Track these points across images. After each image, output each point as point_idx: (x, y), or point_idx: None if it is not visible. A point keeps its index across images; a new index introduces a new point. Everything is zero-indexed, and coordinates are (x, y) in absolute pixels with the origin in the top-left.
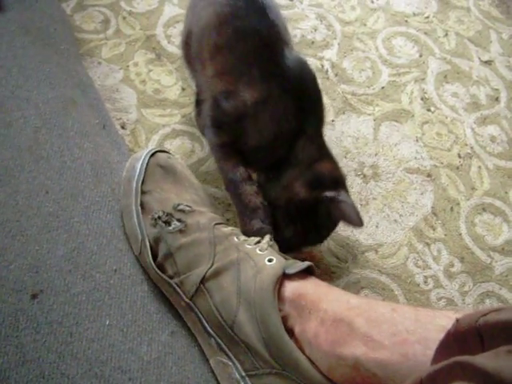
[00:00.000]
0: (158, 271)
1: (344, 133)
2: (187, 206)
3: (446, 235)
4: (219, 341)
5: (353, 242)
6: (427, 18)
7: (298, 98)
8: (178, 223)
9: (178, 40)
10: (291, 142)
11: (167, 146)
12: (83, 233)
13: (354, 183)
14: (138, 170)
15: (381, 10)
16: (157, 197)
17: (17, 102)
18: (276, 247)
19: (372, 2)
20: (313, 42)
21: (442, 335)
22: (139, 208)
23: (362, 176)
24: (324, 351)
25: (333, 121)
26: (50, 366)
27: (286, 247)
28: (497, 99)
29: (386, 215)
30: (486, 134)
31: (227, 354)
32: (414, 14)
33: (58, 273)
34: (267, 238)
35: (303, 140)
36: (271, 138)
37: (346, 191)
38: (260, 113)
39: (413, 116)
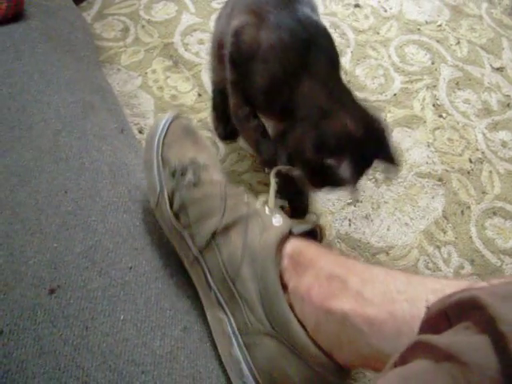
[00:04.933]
0: (174, 220)
1: None
2: (203, 162)
3: (456, 238)
4: (219, 295)
5: (364, 244)
6: (440, 26)
7: (307, 45)
8: (192, 176)
9: (194, 48)
10: (295, 87)
11: None
12: (100, 231)
13: (365, 187)
14: (161, 127)
15: (394, 18)
16: (175, 151)
17: (38, 106)
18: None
19: (385, 10)
20: None
21: (431, 296)
22: (160, 161)
23: (373, 180)
24: (314, 305)
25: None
26: (65, 358)
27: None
28: (508, 105)
29: (397, 218)
30: (498, 140)
31: (224, 309)
32: (427, 23)
33: (75, 269)
34: (270, 197)
35: (310, 85)
36: (275, 80)
37: (353, 154)
38: (268, 55)
39: (425, 122)
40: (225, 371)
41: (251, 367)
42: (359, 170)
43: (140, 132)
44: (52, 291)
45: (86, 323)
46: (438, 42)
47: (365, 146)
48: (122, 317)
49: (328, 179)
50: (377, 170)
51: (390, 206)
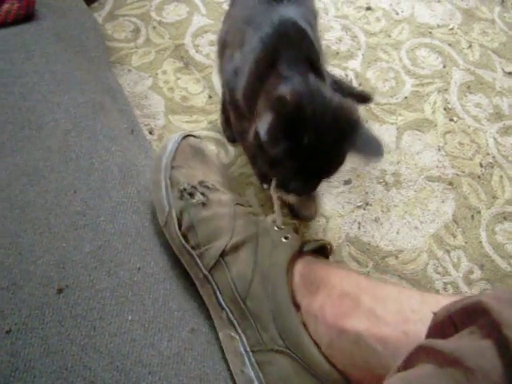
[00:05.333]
0: (183, 240)
1: None
2: (212, 184)
3: (466, 243)
4: (230, 315)
5: (373, 247)
6: (451, 29)
7: (276, 44)
8: (201, 196)
9: (205, 49)
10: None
11: None
12: (109, 231)
13: (375, 190)
14: (169, 148)
15: (405, 21)
16: (184, 172)
17: (49, 106)
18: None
19: (397, 13)
20: (337, 53)
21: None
22: (168, 181)
23: (383, 183)
24: (327, 324)
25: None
26: (73, 358)
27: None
28: None
29: (406, 222)
30: (509, 144)
31: (235, 329)
32: (439, 26)
33: (83, 269)
34: (277, 214)
35: (273, 78)
36: (249, 86)
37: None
38: (244, 66)
39: (435, 125)
40: (232, 374)
41: None
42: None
43: (150, 133)
44: (60, 291)
45: (93, 323)
46: (449, 45)
47: (305, 112)
48: (129, 317)
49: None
50: (386, 174)
51: (399, 210)
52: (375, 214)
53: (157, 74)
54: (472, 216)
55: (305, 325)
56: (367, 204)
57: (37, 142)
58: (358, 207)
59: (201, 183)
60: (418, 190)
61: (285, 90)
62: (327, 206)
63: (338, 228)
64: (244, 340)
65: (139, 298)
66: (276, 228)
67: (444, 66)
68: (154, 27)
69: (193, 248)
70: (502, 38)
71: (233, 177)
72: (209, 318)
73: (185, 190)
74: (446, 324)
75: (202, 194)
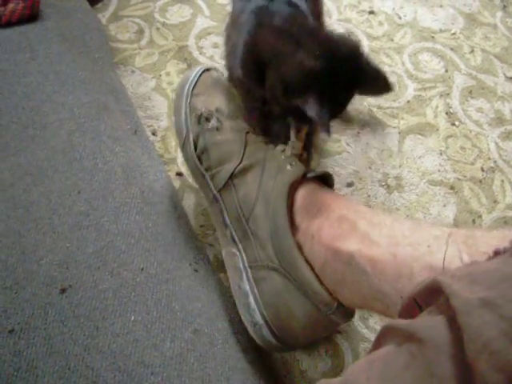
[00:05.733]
0: (197, 161)
1: (369, 144)
2: (228, 111)
3: None
4: (233, 233)
5: None
6: (454, 34)
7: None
8: (215, 122)
9: (209, 51)
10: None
11: None
12: (112, 232)
13: (378, 193)
14: (191, 77)
15: (408, 25)
16: (203, 99)
17: (53, 106)
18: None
19: (399, 18)
20: None
21: (432, 241)
22: (188, 108)
23: (386, 187)
24: (323, 244)
25: (358, 133)
26: (75, 358)
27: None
28: None
29: None
30: (510, 149)
31: (237, 246)
32: (441, 30)
33: (86, 269)
34: (289, 146)
35: (262, 34)
36: (243, 51)
37: (319, 89)
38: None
39: (437, 130)
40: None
41: (258, 300)
42: (332, 102)
43: (153, 134)
44: (63, 291)
45: (96, 323)
46: (451, 49)
47: (332, 75)
48: (132, 318)
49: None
50: (389, 177)
51: (401, 213)
52: None
53: (160, 75)
54: (473, 220)
55: (301, 246)
56: (369, 207)
57: (41, 142)
58: None
59: (217, 110)
60: (420, 193)
61: (303, 58)
62: None
63: None
64: (244, 257)
65: (142, 299)
66: (283, 156)
67: (446, 71)
68: (158, 28)
69: (206, 170)
70: (504, 42)
71: None
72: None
73: (202, 115)
74: (412, 306)
75: (217, 119)
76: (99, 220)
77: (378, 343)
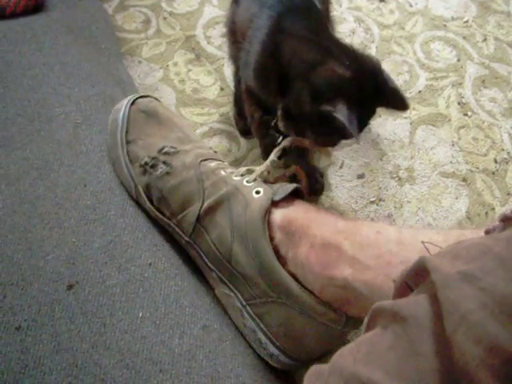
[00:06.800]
0: (157, 213)
1: (380, 136)
2: (172, 147)
3: None
4: (219, 274)
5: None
6: (466, 22)
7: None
8: (164, 166)
9: (217, 41)
10: (279, 54)
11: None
12: (119, 226)
13: (389, 185)
14: (120, 122)
15: (419, 13)
16: (141, 144)
17: (58, 99)
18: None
19: (411, 5)
20: None
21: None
22: (127, 158)
23: (397, 179)
24: (316, 273)
25: (369, 123)
26: (83, 355)
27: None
28: None
29: (419, 218)
30: None
31: (228, 286)
32: (453, 19)
33: (93, 264)
34: (257, 170)
35: (289, 43)
36: (260, 57)
37: (348, 97)
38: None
39: (449, 120)
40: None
41: (267, 334)
42: (358, 112)
43: None
44: (70, 287)
45: (104, 320)
46: (464, 38)
47: (358, 85)
48: (140, 314)
49: (330, 130)
50: (400, 169)
51: (412, 206)
52: (388, 209)
53: (168, 65)
54: (486, 213)
55: (294, 274)
56: (380, 199)
57: (47, 136)
58: (371, 202)
59: (160, 151)
60: (432, 185)
61: (335, 67)
62: (340, 200)
63: None
64: (238, 295)
65: (150, 295)
66: (246, 183)
67: (458, 60)
68: (165, 18)
69: (169, 218)
70: None
71: None
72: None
73: (146, 164)
74: (404, 289)
75: (164, 162)
76: (106, 214)
77: (368, 326)
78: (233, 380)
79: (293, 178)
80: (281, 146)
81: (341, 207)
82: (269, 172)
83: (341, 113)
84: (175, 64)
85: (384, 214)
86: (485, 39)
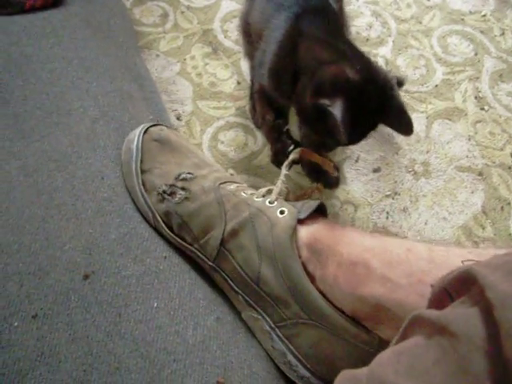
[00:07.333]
0: (178, 239)
1: None
2: (188, 173)
3: (495, 235)
4: (246, 297)
5: (402, 238)
6: (484, 16)
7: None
8: (182, 192)
9: (234, 34)
10: (294, 55)
11: (221, 137)
12: (136, 219)
13: (404, 179)
14: (134, 151)
15: (437, 7)
16: (157, 173)
17: (77, 93)
18: (284, 194)
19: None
20: (367, 39)
21: None
22: (142, 188)
23: (412, 173)
24: (345, 292)
25: (368, 137)
26: (98, 344)
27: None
28: None
29: (435, 213)
30: None
31: (256, 309)
32: (471, 13)
33: (109, 255)
34: (275, 189)
35: (306, 44)
36: (276, 58)
37: (350, 99)
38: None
39: (466, 114)
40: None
41: (297, 356)
42: (357, 118)
43: (178, 119)
44: (86, 277)
45: (119, 310)
46: (481, 32)
47: (364, 92)
48: (155, 304)
49: (324, 128)
50: (416, 163)
51: (428, 200)
52: (403, 203)
53: (185, 59)
54: (502, 207)
55: (324, 294)
56: (396, 193)
57: (65, 129)
58: (387, 196)
59: (177, 178)
60: (448, 180)
61: (345, 68)
62: (356, 193)
63: (366, 217)
64: (267, 318)
65: (165, 286)
66: (268, 203)
67: (476, 54)
68: (183, 12)
69: (191, 244)
70: None
71: (260, 165)
72: (234, 306)
73: (164, 192)
74: (443, 296)
75: (183, 188)
76: (123, 206)
77: (404, 333)
78: (246, 371)
79: (313, 169)
80: (290, 159)
81: (356, 201)
82: (289, 191)
83: (337, 109)
84: (192, 58)
85: (400, 208)
86: (503, 33)
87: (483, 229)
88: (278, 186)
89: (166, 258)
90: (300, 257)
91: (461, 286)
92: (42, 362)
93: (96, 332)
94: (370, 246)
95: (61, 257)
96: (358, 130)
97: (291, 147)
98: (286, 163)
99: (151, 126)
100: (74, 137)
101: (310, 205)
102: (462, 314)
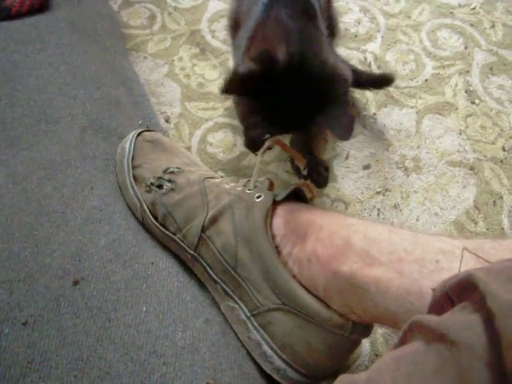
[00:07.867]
0: (162, 229)
1: (386, 126)
2: (177, 167)
3: (487, 229)
4: (224, 286)
5: None
6: (473, 9)
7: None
8: (169, 184)
9: (222, 34)
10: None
11: (210, 139)
12: (124, 227)
13: (395, 176)
14: (127, 150)
15: (426, 2)
16: (147, 167)
17: (65, 100)
18: (265, 184)
19: None
20: (356, 36)
21: (439, 257)
22: (132, 180)
23: (403, 169)
24: (322, 266)
25: (375, 114)
26: (88, 349)
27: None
28: None
29: (426, 208)
30: None
31: (233, 298)
32: (460, 6)
33: (99, 261)
34: (253, 176)
35: (267, 25)
36: (247, 42)
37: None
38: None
39: (456, 109)
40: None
41: (272, 346)
42: (275, 101)
43: (167, 121)
44: (76, 283)
45: (108, 315)
46: (471, 25)
47: (287, 75)
48: (144, 309)
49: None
50: (406, 159)
51: (419, 196)
52: (394, 200)
53: (173, 60)
54: (494, 202)
55: (297, 275)
56: (386, 190)
57: (54, 137)
58: (378, 193)
59: (165, 171)
60: (439, 175)
61: (279, 43)
62: (347, 191)
63: (357, 215)
64: (243, 307)
65: (153, 290)
66: (248, 191)
67: (465, 47)
68: (170, 13)
69: (174, 233)
70: None
71: (249, 165)
72: None
73: (152, 184)
74: (444, 301)
75: (169, 180)
76: (111, 215)
77: (404, 338)
78: (236, 371)
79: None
80: (265, 146)
81: (347, 198)
82: (270, 182)
83: (243, 67)
84: (180, 59)
85: (391, 205)
86: (493, 26)
87: (475, 224)
88: (255, 172)
89: (153, 263)
90: (274, 236)
91: (462, 291)
92: (32, 368)
93: (86, 337)
94: (352, 222)
95: (50, 263)
96: (278, 113)
97: (267, 135)
98: (261, 150)
99: (145, 131)
100: (62, 145)
101: (288, 188)
102: (462, 322)
